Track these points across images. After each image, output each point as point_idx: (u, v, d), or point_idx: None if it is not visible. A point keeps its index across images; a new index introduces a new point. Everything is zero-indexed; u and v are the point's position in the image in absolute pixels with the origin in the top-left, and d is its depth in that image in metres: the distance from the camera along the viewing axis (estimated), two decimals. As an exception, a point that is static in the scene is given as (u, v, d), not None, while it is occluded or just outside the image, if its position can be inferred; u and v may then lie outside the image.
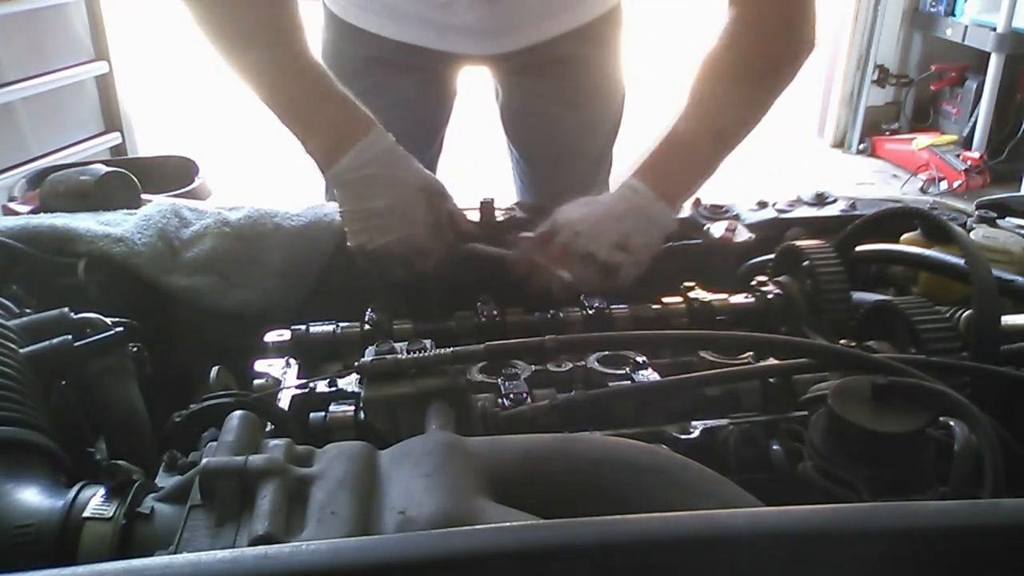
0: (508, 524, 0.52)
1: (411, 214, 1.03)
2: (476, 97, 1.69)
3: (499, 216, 1.16)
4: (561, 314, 1.00)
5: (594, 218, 1.04)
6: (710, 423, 0.80)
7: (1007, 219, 1.14)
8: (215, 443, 0.64)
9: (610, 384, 0.85)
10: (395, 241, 1.02)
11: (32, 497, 0.64)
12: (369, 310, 0.99)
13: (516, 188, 1.72)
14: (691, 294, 1.01)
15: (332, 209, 1.15)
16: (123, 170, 1.24)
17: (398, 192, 1.03)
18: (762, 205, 1.23)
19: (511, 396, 0.83)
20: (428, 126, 1.58)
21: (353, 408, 0.80)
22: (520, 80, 1.56)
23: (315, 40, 1.49)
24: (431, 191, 1.06)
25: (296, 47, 1.07)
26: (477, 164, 3.60)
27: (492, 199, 1.16)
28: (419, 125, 1.53)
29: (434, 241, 1.04)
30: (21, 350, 0.78)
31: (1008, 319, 0.86)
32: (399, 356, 0.78)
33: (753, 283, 1.03)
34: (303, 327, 0.96)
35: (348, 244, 1.05)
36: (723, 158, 1.12)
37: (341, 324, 0.96)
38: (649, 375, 0.86)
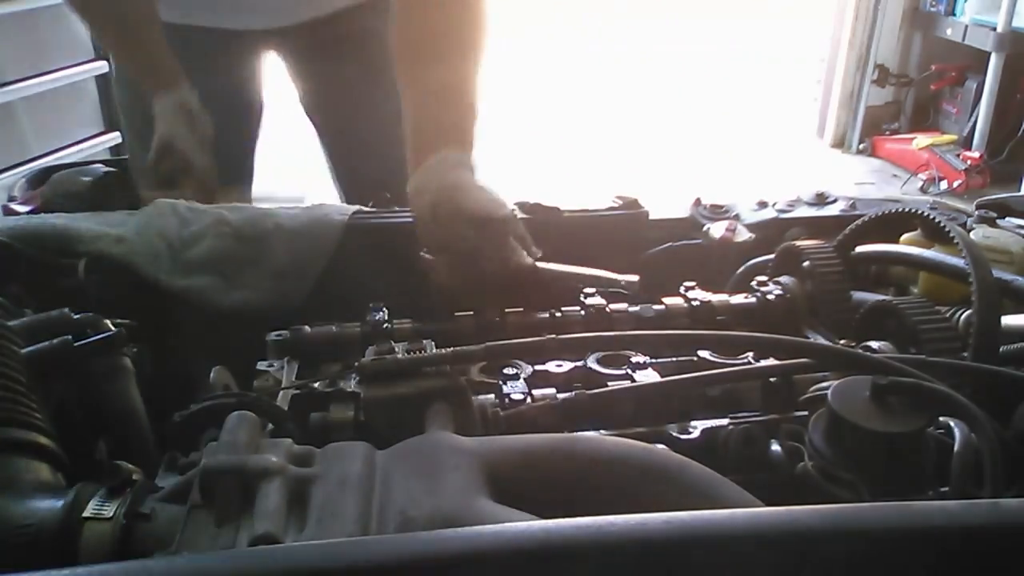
0: (508, 524, 0.52)
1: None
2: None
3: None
4: (560, 314, 1.00)
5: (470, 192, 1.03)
6: (710, 423, 0.80)
7: (1007, 219, 1.14)
8: (215, 443, 0.64)
9: (610, 384, 0.85)
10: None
11: (32, 497, 0.64)
12: (369, 310, 0.99)
13: (333, 183, 1.71)
14: (691, 294, 1.01)
15: (332, 209, 1.15)
16: (120, 170, 1.26)
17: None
18: (762, 205, 1.23)
19: (511, 396, 0.83)
20: (232, 111, 1.55)
21: (353, 408, 0.81)
22: (315, 63, 1.55)
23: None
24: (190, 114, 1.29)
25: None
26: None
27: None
28: (221, 111, 1.49)
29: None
30: (21, 350, 0.78)
31: (1008, 319, 0.86)
32: (399, 356, 0.78)
33: (753, 283, 1.03)
34: (303, 327, 0.96)
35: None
36: (458, 101, 1.15)
37: (341, 324, 0.96)
38: (649, 375, 0.86)
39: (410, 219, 1.10)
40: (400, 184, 1.13)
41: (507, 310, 0.99)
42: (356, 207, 1.18)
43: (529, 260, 1.03)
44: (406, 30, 1.21)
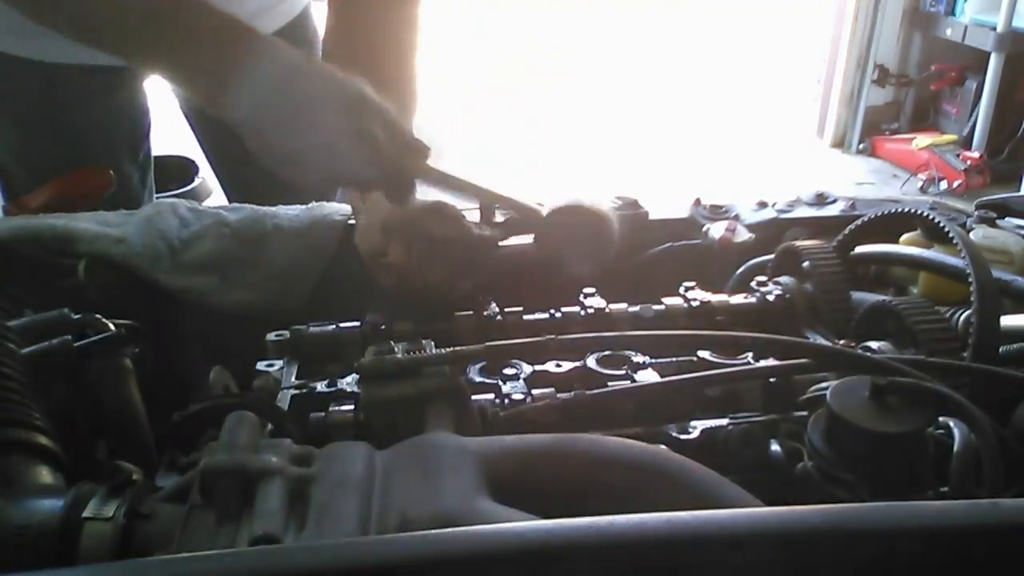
0: (508, 524, 0.52)
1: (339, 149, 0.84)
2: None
3: (499, 216, 1.16)
4: (560, 314, 1.00)
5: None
6: (710, 423, 0.80)
7: (1007, 219, 1.14)
8: (215, 443, 0.64)
9: (610, 384, 0.85)
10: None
11: (32, 497, 0.64)
12: (369, 311, 0.99)
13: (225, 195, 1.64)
14: (691, 294, 1.01)
15: (333, 210, 1.14)
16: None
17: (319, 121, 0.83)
18: (762, 205, 1.23)
19: (511, 396, 0.83)
20: (125, 140, 1.45)
21: (353, 408, 0.81)
22: None
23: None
24: (361, 106, 0.84)
25: None
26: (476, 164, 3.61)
27: (492, 199, 1.16)
28: (115, 142, 1.42)
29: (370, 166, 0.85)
30: (21, 350, 0.78)
31: (1008, 319, 0.86)
32: (399, 356, 0.78)
33: (753, 283, 1.03)
34: (303, 327, 0.96)
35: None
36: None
37: (341, 324, 0.96)
38: (649, 375, 0.86)
39: None
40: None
41: (507, 310, 0.99)
42: None
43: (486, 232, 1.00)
44: (342, 37, 1.18)
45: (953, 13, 4.43)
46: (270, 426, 0.77)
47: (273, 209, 1.15)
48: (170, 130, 1.82)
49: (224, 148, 1.52)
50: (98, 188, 1.22)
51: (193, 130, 1.60)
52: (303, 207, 1.16)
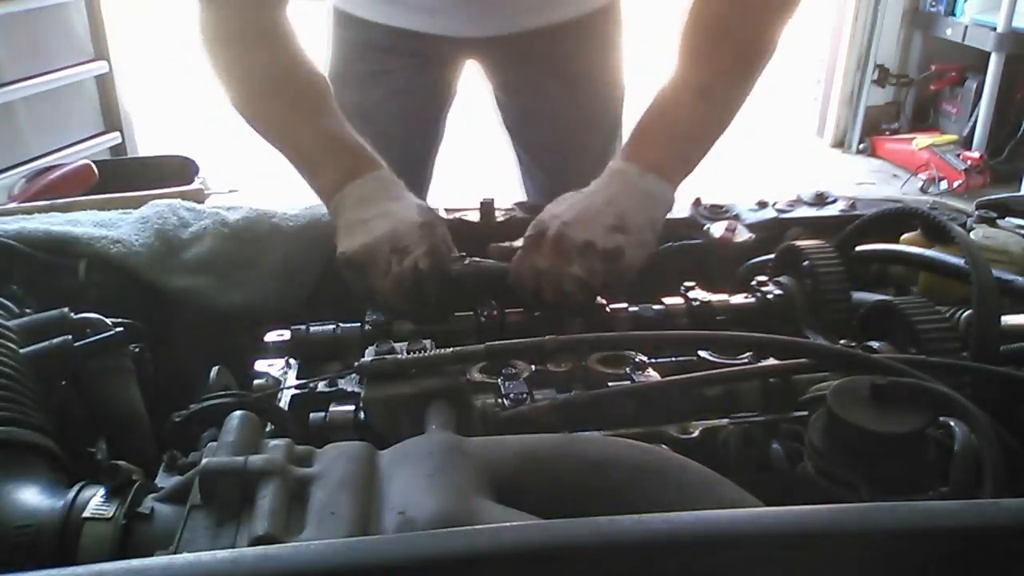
0: (508, 524, 0.52)
1: (404, 237, 0.96)
2: (476, 98, 1.70)
3: (499, 216, 1.16)
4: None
5: (581, 206, 0.98)
6: (710, 423, 0.80)
7: (1007, 219, 1.14)
8: (215, 443, 0.64)
9: (610, 384, 0.85)
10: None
11: (32, 497, 0.64)
12: (369, 311, 0.99)
13: (526, 190, 1.71)
14: (691, 294, 1.01)
15: None
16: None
17: (393, 217, 0.99)
18: (762, 205, 1.23)
19: (511, 396, 0.83)
20: (424, 114, 1.59)
21: (353, 408, 0.81)
22: (518, 76, 1.55)
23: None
24: (426, 221, 0.98)
25: (315, 101, 1.10)
26: (479, 163, 3.60)
27: (492, 199, 1.16)
28: (414, 112, 1.55)
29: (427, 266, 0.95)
30: (21, 350, 0.78)
31: (1008, 319, 0.86)
32: (399, 356, 0.78)
33: (753, 283, 1.03)
34: (303, 327, 0.96)
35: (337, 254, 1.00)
36: (717, 121, 1.05)
37: (341, 324, 0.96)
38: (649, 375, 0.86)
39: None
40: None
41: (507, 310, 0.99)
42: None
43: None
44: (712, 5, 1.08)
45: (953, 13, 4.44)
46: (270, 426, 0.78)
47: (272, 208, 1.14)
48: (170, 130, 1.83)
49: (536, 156, 1.65)
50: (84, 183, 1.24)
51: (508, 132, 1.68)
52: (304, 206, 1.16)
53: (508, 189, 1.69)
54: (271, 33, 1.11)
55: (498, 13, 1.41)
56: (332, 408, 0.81)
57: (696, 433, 0.79)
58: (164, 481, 0.66)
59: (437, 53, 1.51)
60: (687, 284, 1.02)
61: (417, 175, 1.59)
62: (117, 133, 3.46)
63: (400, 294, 0.94)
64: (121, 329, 0.86)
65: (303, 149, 1.08)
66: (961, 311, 0.91)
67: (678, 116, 1.04)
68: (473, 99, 1.69)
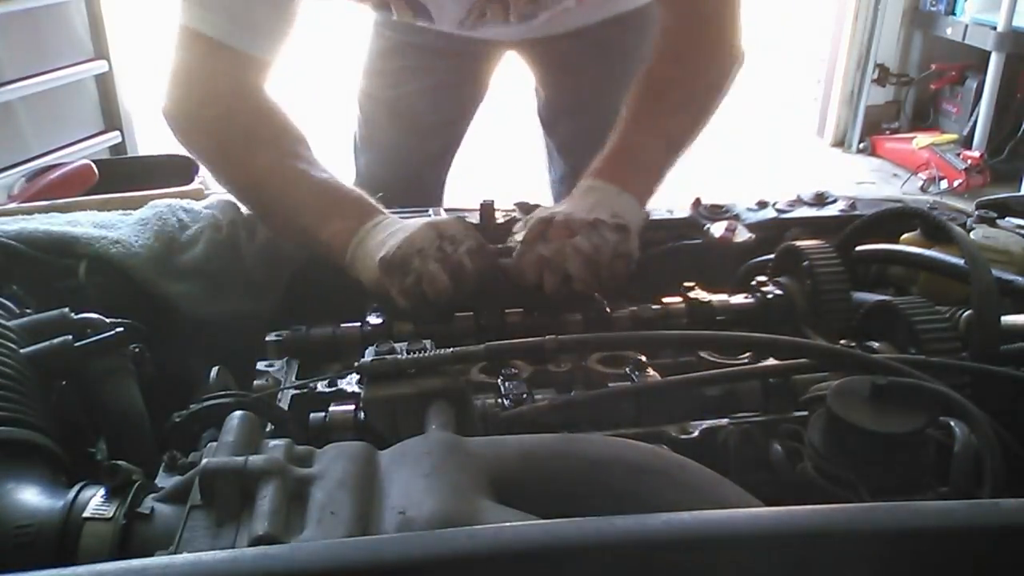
0: (508, 524, 0.52)
1: (449, 228, 0.97)
2: (500, 94, 1.72)
3: (499, 218, 1.16)
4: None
5: (576, 205, 1.02)
6: (710, 423, 0.80)
7: (1007, 219, 1.14)
8: (215, 443, 0.64)
9: (610, 384, 0.85)
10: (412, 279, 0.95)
11: (32, 497, 0.64)
12: (369, 311, 0.99)
13: (553, 191, 1.73)
14: (691, 294, 1.01)
15: None
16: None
17: (429, 220, 0.99)
18: (762, 205, 1.23)
19: (511, 396, 0.83)
20: (457, 108, 1.62)
21: (353, 408, 0.81)
22: (562, 70, 1.56)
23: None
24: (443, 235, 0.97)
25: (308, 170, 1.08)
26: (490, 162, 3.60)
27: (492, 201, 1.16)
28: (447, 106, 1.57)
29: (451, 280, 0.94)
30: (21, 350, 0.78)
31: (1008, 319, 0.86)
32: (399, 356, 0.78)
33: (753, 283, 1.03)
34: (303, 327, 0.96)
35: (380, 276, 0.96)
36: (674, 164, 1.16)
37: (341, 324, 0.96)
38: (649, 375, 0.86)
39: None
40: None
41: (507, 310, 0.99)
42: None
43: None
44: (663, 63, 1.20)
45: (953, 13, 4.43)
46: (270, 426, 0.78)
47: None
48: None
49: (572, 150, 1.67)
50: (84, 182, 1.23)
51: (543, 124, 1.72)
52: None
53: (527, 183, 1.69)
54: (257, 119, 1.11)
55: (546, 23, 1.41)
56: (332, 408, 0.81)
57: (696, 433, 0.79)
58: (164, 481, 0.66)
59: (482, 51, 1.53)
60: (687, 284, 1.02)
61: (440, 165, 1.63)
62: (117, 132, 3.46)
63: (463, 278, 0.94)
64: (121, 329, 0.86)
65: (305, 207, 1.06)
66: (961, 311, 0.91)
67: (646, 160, 1.13)
68: (501, 90, 1.72)
